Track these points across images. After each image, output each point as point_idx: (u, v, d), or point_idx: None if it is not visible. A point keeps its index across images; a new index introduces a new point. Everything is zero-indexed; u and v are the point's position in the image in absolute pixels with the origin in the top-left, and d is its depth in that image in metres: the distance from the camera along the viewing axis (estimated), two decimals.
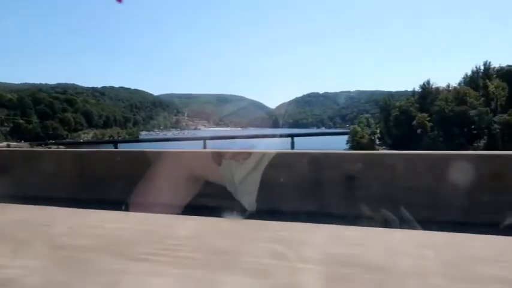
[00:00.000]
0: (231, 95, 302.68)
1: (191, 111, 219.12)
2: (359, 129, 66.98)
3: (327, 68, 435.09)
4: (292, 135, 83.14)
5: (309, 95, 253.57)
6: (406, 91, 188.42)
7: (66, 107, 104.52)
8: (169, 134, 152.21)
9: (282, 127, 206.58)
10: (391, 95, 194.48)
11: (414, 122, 52.71)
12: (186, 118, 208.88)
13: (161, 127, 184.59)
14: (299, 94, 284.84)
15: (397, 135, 53.30)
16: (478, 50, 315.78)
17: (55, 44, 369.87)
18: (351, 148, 57.45)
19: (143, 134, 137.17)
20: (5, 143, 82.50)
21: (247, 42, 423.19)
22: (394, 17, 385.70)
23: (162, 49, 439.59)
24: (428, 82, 63.86)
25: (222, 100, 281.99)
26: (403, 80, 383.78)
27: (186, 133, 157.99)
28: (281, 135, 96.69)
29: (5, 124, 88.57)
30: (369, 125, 76.46)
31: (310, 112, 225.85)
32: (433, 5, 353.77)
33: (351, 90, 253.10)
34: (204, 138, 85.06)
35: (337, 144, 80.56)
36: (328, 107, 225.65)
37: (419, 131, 51.39)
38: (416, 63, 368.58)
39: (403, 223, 3.62)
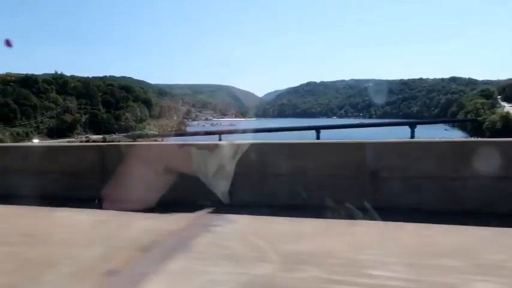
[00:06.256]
0: (219, 85, 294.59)
1: (196, 102, 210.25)
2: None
3: (319, 58, 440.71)
4: (411, 124, 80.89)
5: (307, 84, 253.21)
6: (421, 78, 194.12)
7: (126, 94, 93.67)
8: (214, 124, 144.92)
9: (287, 117, 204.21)
10: (403, 83, 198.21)
11: None
12: (193, 109, 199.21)
13: (174, 117, 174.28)
14: (294, 84, 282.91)
15: None
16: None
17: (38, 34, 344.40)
18: None
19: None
20: (83, 137, 71.97)
21: (235, 33, 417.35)
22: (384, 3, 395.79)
23: (151, 39, 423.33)
24: None
25: (210, 89, 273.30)
26: (403, 68, 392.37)
27: (218, 123, 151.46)
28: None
29: (77, 115, 77.44)
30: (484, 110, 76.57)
31: (315, 101, 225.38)
32: None
33: (346, 79, 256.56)
34: (317, 128, 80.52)
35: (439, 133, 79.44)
36: (333, 96, 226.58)
37: None
38: (415, 51, 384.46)
39: None
